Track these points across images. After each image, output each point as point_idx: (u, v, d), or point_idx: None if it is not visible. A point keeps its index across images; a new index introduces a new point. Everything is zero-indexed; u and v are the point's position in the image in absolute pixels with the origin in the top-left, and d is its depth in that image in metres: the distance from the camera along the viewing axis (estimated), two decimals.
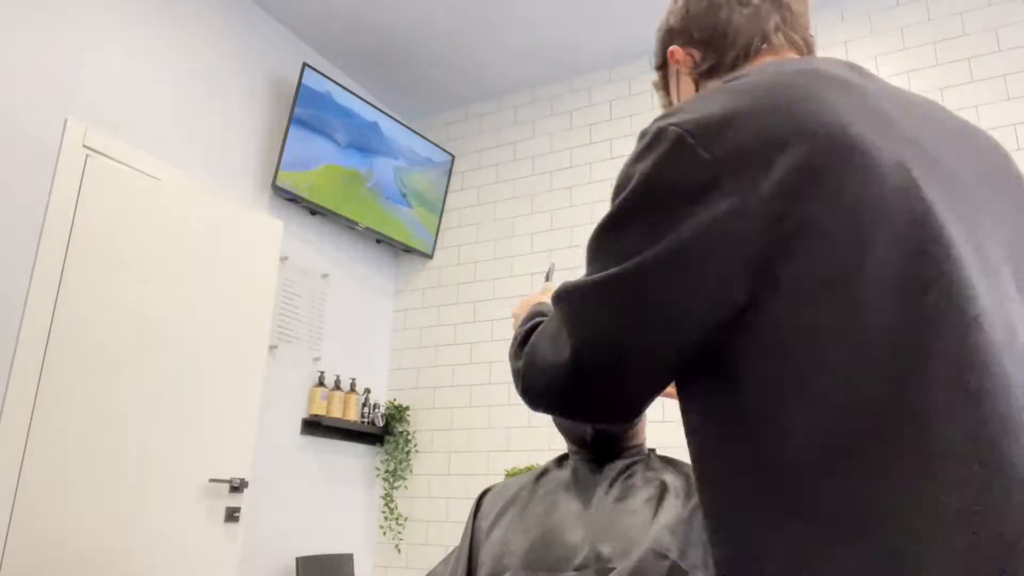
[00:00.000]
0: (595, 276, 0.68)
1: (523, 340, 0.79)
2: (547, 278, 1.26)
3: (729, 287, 0.61)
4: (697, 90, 0.88)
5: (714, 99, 0.67)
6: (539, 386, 0.73)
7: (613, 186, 0.72)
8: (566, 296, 0.71)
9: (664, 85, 0.96)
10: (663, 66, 0.94)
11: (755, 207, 0.60)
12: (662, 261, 0.63)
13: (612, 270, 0.66)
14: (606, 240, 0.70)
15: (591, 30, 3.60)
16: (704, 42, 0.86)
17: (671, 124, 0.66)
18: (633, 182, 0.68)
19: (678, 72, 0.90)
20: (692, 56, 0.87)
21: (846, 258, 0.58)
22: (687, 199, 0.63)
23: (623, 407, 0.70)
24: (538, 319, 0.82)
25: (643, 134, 0.70)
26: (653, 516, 1.01)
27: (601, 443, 1.13)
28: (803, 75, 0.68)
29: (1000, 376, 0.55)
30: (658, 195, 0.65)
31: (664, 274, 0.63)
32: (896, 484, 0.53)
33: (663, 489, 1.06)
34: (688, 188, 0.63)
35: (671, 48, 0.89)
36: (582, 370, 0.68)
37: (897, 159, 0.61)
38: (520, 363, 0.77)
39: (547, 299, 0.99)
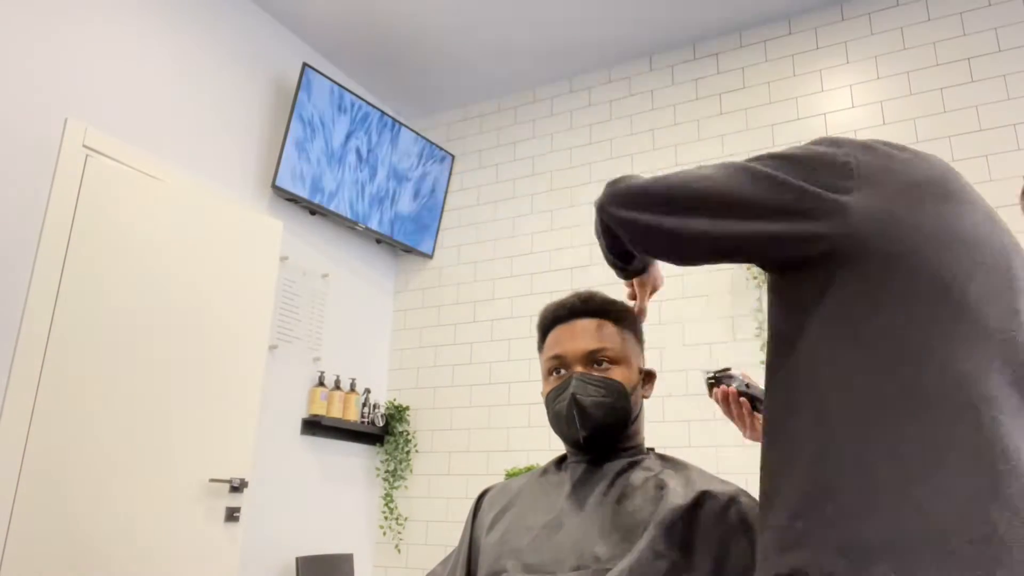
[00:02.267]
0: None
1: None
2: (716, 383, 1.14)
3: None
4: None
5: None
6: None
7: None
8: None
9: None
10: None
11: None
12: None
13: None
14: None
15: (591, 30, 3.60)
16: None
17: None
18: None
19: None
20: None
21: None
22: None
23: None
24: None
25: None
26: (652, 516, 1.01)
27: (595, 444, 1.12)
28: None
29: None
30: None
31: None
32: None
33: (662, 488, 1.06)
34: None
35: None
36: None
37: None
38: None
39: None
